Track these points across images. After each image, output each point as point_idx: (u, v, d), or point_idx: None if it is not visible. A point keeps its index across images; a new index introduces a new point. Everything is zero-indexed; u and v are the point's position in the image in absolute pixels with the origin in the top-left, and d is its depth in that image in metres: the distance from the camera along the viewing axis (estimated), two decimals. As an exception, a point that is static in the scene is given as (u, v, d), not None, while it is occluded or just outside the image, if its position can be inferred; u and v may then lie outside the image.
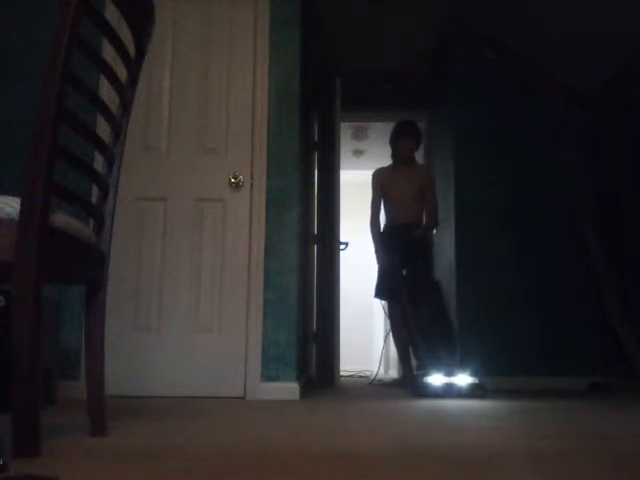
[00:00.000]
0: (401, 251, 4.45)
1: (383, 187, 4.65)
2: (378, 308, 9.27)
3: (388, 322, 8.48)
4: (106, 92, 2.89)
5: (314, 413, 2.48)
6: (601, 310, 4.38)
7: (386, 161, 8.24)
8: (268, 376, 3.11)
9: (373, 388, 4.50)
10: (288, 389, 3.08)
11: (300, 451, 1.44)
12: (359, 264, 9.61)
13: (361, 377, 6.67)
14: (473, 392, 3.37)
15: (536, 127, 4.70)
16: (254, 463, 1.27)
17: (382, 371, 8.41)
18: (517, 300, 4.44)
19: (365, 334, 9.53)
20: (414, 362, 4.63)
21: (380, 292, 4.59)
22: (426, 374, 3.45)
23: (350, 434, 1.80)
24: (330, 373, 4.64)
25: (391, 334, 4.67)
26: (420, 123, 5.81)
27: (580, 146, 4.79)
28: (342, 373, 5.56)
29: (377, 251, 4.62)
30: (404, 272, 4.50)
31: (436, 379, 3.42)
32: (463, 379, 3.42)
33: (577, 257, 4.52)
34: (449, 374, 3.42)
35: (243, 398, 3.08)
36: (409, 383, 4.41)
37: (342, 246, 5.01)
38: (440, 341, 3.73)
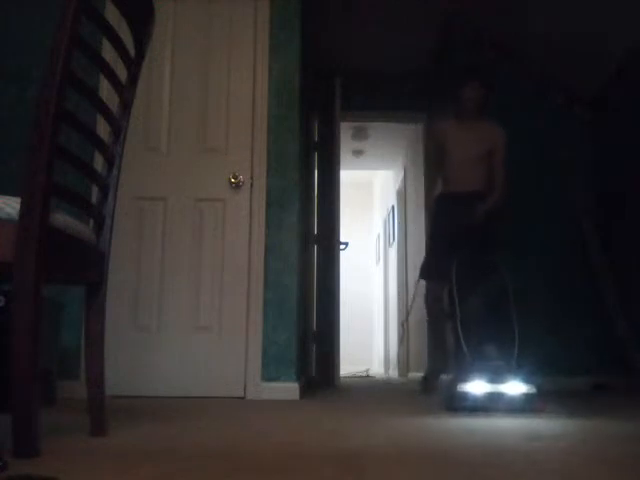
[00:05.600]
0: (458, 227, 3.53)
1: (446, 143, 3.73)
2: (378, 308, 9.29)
3: (387, 322, 8.45)
4: (106, 92, 2.89)
5: (314, 413, 2.48)
6: (602, 310, 4.38)
7: (386, 161, 8.19)
8: (268, 376, 3.11)
9: (374, 388, 4.48)
10: (288, 389, 3.08)
11: (300, 451, 1.44)
12: (359, 264, 9.62)
13: (362, 377, 6.68)
14: (527, 405, 2.52)
15: (536, 127, 4.70)
16: (254, 463, 1.27)
17: (382, 371, 8.42)
18: (516, 300, 4.43)
19: (365, 334, 9.54)
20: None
21: (425, 272, 3.79)
22: (462, 379, 2.59)
23: (350, 434, 1.79)
24: (330, 373, 4.64)
25: (427, 324, 3.97)
26: (420, 123, 5.81)
27: (580, 146, 4.79)
28: (342, 373, 5.54)
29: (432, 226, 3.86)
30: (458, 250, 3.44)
31: (476, 387, 2.56)
32: (514, 387, 2.56)
33: (577, 257, 4.52)
34: (495, 380, 2.56)
35: (243, 398, 3.08)
36: (430, 385, 3.73)
37: (342, 246, 5.00)
38: (491, 337, 2.81)
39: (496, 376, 2.57)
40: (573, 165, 4.69)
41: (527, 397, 2.53)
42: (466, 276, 3.03)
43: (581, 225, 4.59)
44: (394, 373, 7.57)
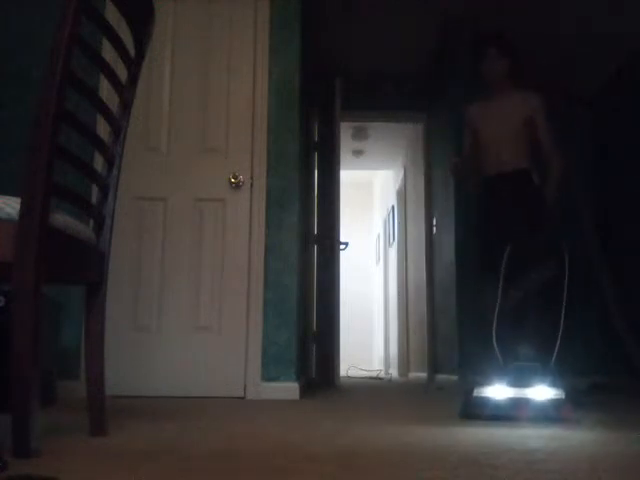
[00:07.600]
0: (499, 214, 3.17)
1: (475, 123, 3.40)
2: (378, 308, 9.30)
3: (388, 321, 8.45)
4: (106, 92, 2.89)
5: (314, 413, 2.48)
6: (601, 310, 4.38)
7: (386, 161, 8.19)
8: (268, 376, 3.11)
9: (373, 388, 4.48)
10: (288, 389, 3.08)
11: (300, 451, 1.44)
12: (359, 264, 9.63)
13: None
14: (554, 413, 2.21)
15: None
16: (254, 463, 1.27)
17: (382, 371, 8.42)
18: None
19: (365, 334, 9.55)
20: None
21: (483, 268, 3.31)
22: (480, 383, 2.34)
23: (350, 434, 1.79)
24: (330, 373, 4.64)
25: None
26: (420, 123, 5.81)
27: (580, 146, 4.79)
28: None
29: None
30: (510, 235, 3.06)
31: (496, 391, 2.27)
32: (540, 392, 2.25)
33: (577, 257, 4.52)
34: (519, 383, 2.28)
35: (243, 398, 3.08)
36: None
37: (342, 246, 5.01)
38: (530, 335, 2.57)
39: (520, 379, 2.27)
40: (573, 165, 4.69)
41: (554, 403, 2.22)
42: (518, 263, 2.64)
43: (581, 225, 4.59)
44: (394, 373, 7.57)
